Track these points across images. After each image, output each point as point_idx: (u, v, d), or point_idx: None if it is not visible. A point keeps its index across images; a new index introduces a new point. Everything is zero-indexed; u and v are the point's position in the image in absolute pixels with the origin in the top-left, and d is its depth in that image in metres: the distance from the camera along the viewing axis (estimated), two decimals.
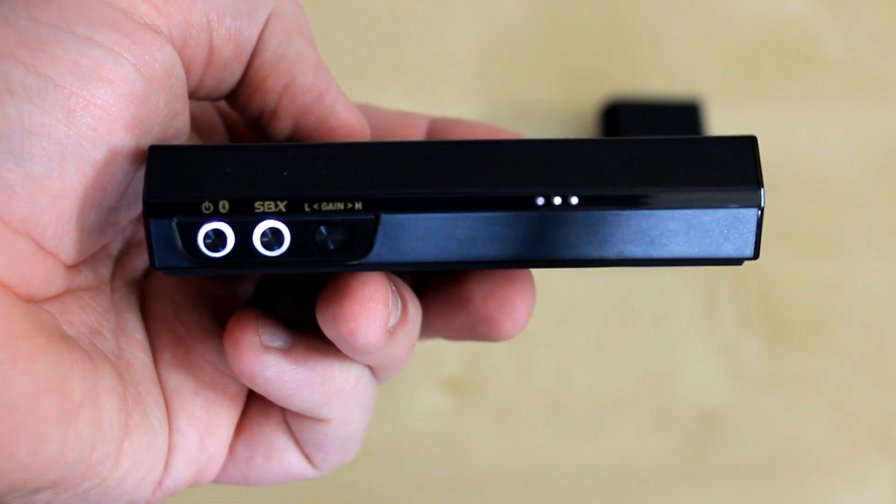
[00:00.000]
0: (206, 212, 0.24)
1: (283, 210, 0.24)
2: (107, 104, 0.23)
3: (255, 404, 0.29)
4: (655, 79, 0.59)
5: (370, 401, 0.28)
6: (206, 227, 0.24)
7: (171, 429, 0.27)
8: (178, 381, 0.28)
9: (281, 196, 0.24)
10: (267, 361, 0.25)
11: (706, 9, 0.61)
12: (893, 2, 0.62)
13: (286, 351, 0.26)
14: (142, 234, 0.28)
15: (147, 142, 0.25)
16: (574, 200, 0.24)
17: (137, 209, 0.26)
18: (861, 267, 0.56)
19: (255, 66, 0.27)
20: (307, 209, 0.24)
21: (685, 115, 0.55)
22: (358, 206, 0.24)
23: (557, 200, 0.24)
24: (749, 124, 0.59)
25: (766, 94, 0.60)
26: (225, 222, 0.24)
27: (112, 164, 0.24)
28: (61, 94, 0.23)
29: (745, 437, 0.53)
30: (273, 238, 0.24)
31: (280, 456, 0.28)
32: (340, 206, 0.24)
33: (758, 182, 0.25)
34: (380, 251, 0.24)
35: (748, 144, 0.25)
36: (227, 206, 0.24)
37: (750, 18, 0.61)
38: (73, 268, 0.25)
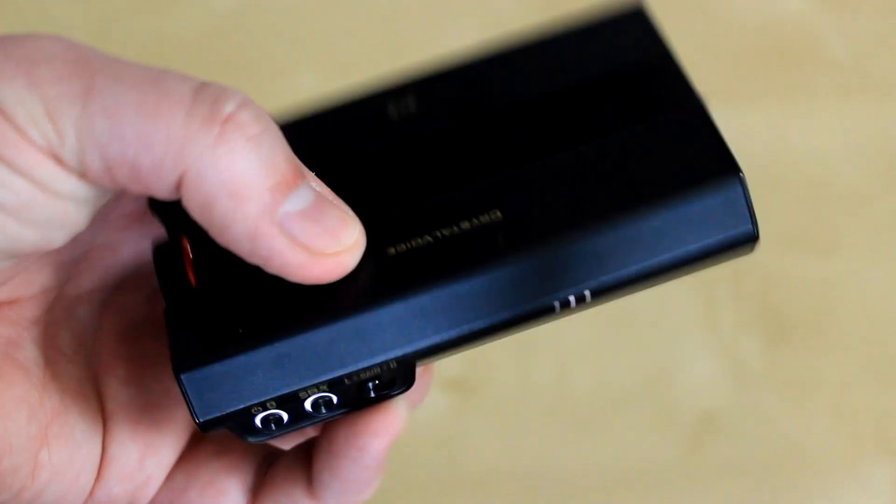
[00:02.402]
0: (257, 413, 0.25)
1: (327, 389, 0.25)
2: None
3: (212, 441, 0.28)
4: None
5: None
6: (261, 416, 0.25)
7: (110, 440, 0.27)
8: (127, 395, 0.27)
9: (319, 382, 0.25)
10: None
11: (706, 9, 0.61)
12: (893, 2, 0.62)
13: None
14: (101, 240, 0.28)
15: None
16: (587, 296, 0.26)
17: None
18: (861, 267, 0.56)
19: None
20: (348, 382, 0.25)
21: None
22: (393, 365, 0.25)
23: (572, 301, 0.26)
24: (749, 124, 0.59)
25: (766, 94, 0.60)
26: (277, 410, 0.25)
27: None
28: None
29: (745, 437, 0.53)
30: (323, 403, 0.26)
31: (216, 496, 0.28)
32: (378, 370, 0.25)
33: (728, 161, 0.25)
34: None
35: (700, 116, 0.26)
36: (274, 403, 0.25)
37: (750, 18, 0.61)
38: None
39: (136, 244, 0.28)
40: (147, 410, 0.27)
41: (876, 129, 0.59)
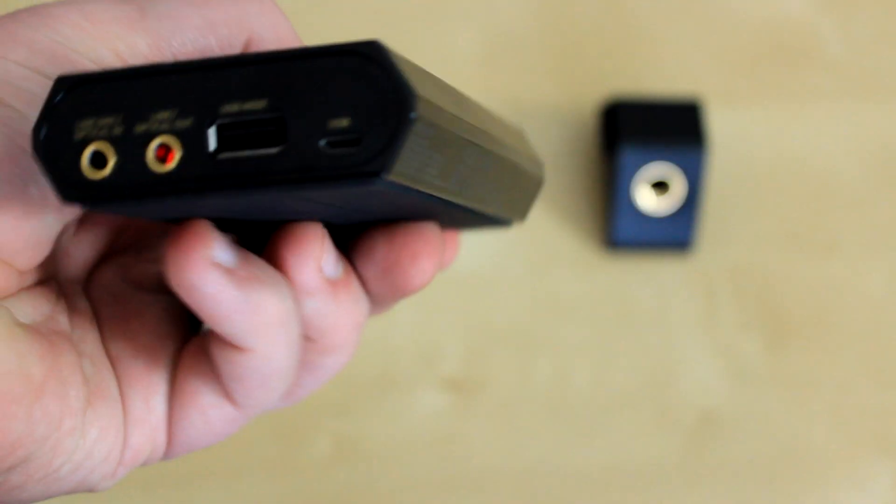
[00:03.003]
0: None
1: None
2: None
3: (188, 361, 0.30)
4: (655, 79, 0.59)
5: (296, 343, 0.28)
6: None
7: (122, 395, 0.28)
8: (118, 348, 0.29)
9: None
10: (211, 276, 0.25)
11: (706, 9, 0.61)
12: (893, 2, 0.62)
13: (230, 271, 0.26)
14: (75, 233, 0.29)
15: None
16: None
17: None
18: (861, 267, 0.56)
19: None
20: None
21: (685, 115, 0.55)
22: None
23: None
24: (749, 124, 0.59)
25: (766, 94, 0.60)
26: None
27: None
28: (28, 124, 0.24)
29: (745, 437, 0.53)
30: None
31: (192, 399, 0.29)
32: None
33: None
34: None
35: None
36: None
37: (750, 18, 0.61)
38: (24, 271, 0.27)
39: (87, 246, 0.30)
40: (139, 355, 0.29)
41: (876, 129, 0.59)
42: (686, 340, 0.55)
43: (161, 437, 0.29)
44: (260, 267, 0.27)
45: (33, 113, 0.24)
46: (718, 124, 0.58)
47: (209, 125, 0.23)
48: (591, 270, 0.56)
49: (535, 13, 0.61)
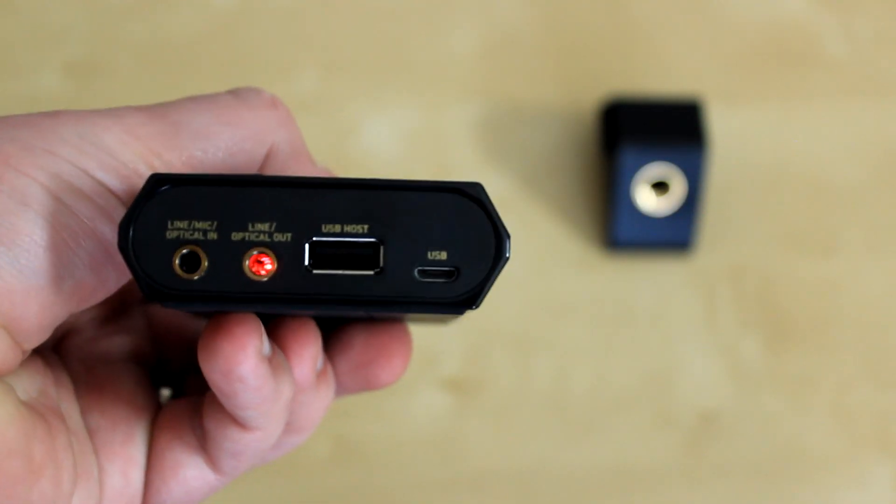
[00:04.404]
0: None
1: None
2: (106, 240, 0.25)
3: (165, 427, 0.29)
4: (655, 79, 0.59)
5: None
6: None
7: (98, 470, 0.28)
8: (95, 420, 0.29)
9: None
10: (260, 370, 0.26)
11: (706, 9, 0.61)
12: (893, 2, 0.62)
13: (268, 361, 0.26)
14: None
15: None
16: None
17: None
18: (861, 267, 0.56)
19: None
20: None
21: (685, 115, 0.55)
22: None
23: None
24: (749, 124, 0.59)
25: (766, 94, 0.60)
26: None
27: (99, 290, 0.26)
28: (73, 218, 0.25)
29: (745, 437, 0.53)
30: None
31: (173, 471, 0.29)
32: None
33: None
34: None
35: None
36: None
37: (750, 18, 0.61)
38: (27, 350, 0.27)
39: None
40: (117, 426, 0.29)
41: (876, 129, 0.59)
42: (686, 340, 0.55)
43: None
44: (279, 353, 0.27)
45: (82, 210, 0.25)
46: (718, 124, 0.58)
47: (307, 241, 0.24)
48: (591, 270, 0.56)
49: (534, 13, 0.61)
